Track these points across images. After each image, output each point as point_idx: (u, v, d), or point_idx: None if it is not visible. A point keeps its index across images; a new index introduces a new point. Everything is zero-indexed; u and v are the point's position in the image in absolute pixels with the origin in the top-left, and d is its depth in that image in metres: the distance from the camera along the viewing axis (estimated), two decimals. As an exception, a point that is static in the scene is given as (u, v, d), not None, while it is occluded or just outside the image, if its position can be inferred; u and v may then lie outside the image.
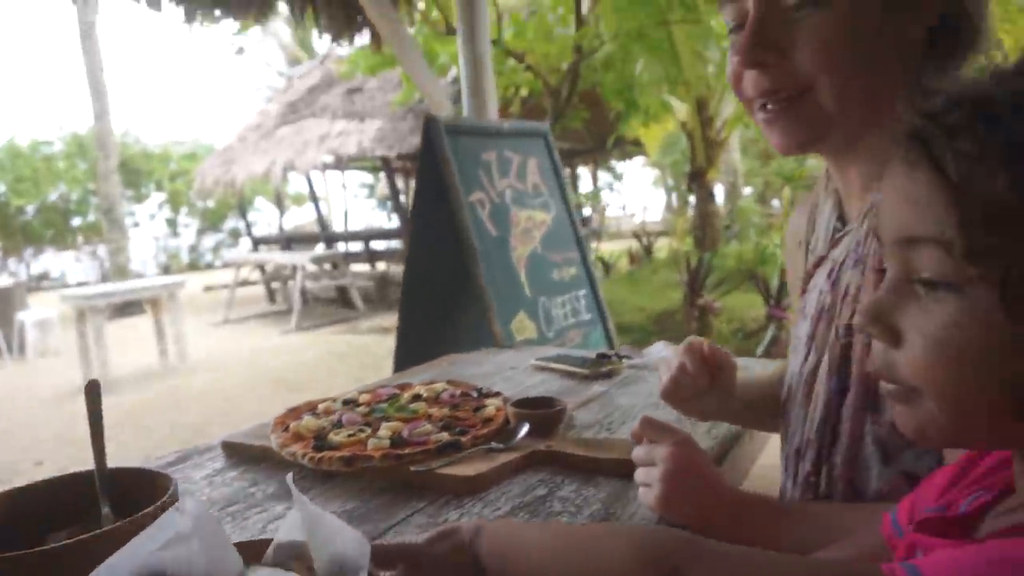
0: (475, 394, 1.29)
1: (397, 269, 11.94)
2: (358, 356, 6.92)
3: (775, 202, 16.76)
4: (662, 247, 10.98)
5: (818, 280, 0.84)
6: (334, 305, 10.34)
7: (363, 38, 4.28)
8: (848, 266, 0.77)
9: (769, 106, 0.75)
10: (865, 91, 0.72)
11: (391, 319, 8.52)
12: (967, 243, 0.41)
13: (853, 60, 0.70)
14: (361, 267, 11.90)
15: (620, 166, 20.66)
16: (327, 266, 10.78)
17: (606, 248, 11.84)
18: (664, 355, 1.69)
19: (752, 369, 1.25)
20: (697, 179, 9.71)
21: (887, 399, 0.50)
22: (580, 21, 5.99)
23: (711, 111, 9.45)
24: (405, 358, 2.89)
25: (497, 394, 1.29)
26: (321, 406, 1.26)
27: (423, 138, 2.72)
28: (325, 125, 9.93)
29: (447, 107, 3.58)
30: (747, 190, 14.25)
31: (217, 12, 3.74)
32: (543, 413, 1.12)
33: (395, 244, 11.21)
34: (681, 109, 9.24)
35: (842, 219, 0.85)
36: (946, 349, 0.43)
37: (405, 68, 3.65)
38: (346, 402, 1.26)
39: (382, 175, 12.80)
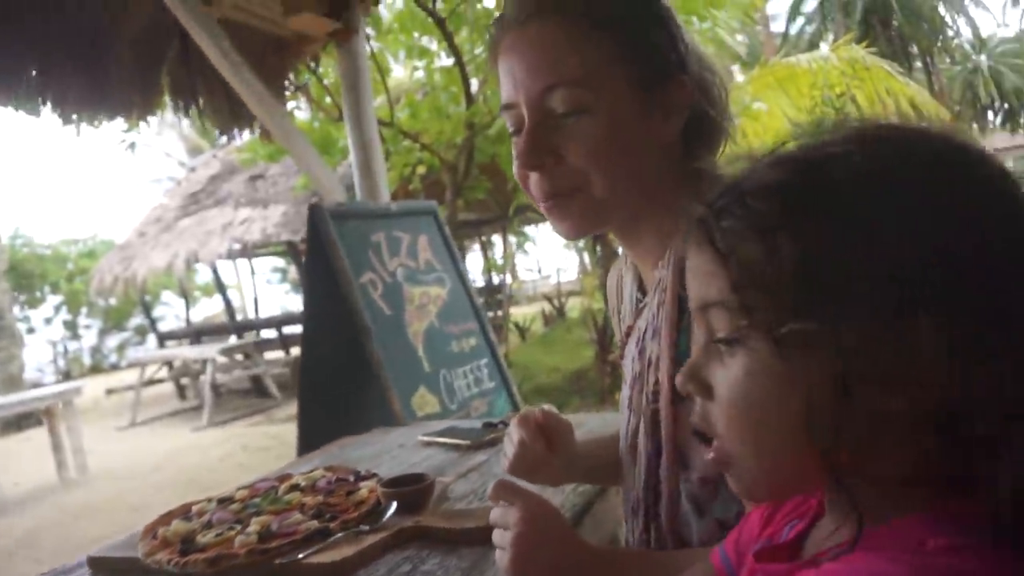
0: (352, 478, 1.31)
1: (313, 352, 11.66)
2: (274, 447, 6.70)
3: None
4: (575, 306, 11.23)
5: (630, 348, 0.92)
6: (249, 396, 10.01)
7: (254, 129, 4.33)
8: (649, 336, 0.85)
9: (551, 202, 0.84)
10: (633, 182, 0.81)
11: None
12: (740, 303, 0.48)
13: (618, 158, 0.79)
14: (275, 354, 11.60)
15: (532, 230, 21.13)
16: (239, 356, 10.46)
17: (522, 312, 12.00)
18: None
19: (588, 424, 1.33)
20: (601, 237, 10.07)
21: (715, 465, 0.54)
22: (470, 99, 6.24)
23: (607, 173, 9.88)
24: (308, 445, 2.85)
25: (374, 475, 1.32)
26: (195, 508, 1.25)
27: (309, 225, 2.76)
28: (228, 213, 9.82)
29: (341, 192, 3.64)
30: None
31: (98, 114, 3.73)
32: (410, 490, 1.15)
33: (309, 327, 10.99)
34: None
35: (643, 290, 0.93)
36: (740, 396, 0.49)
37: (294, 158, 3.71)
38: (221, 501, 1.26)
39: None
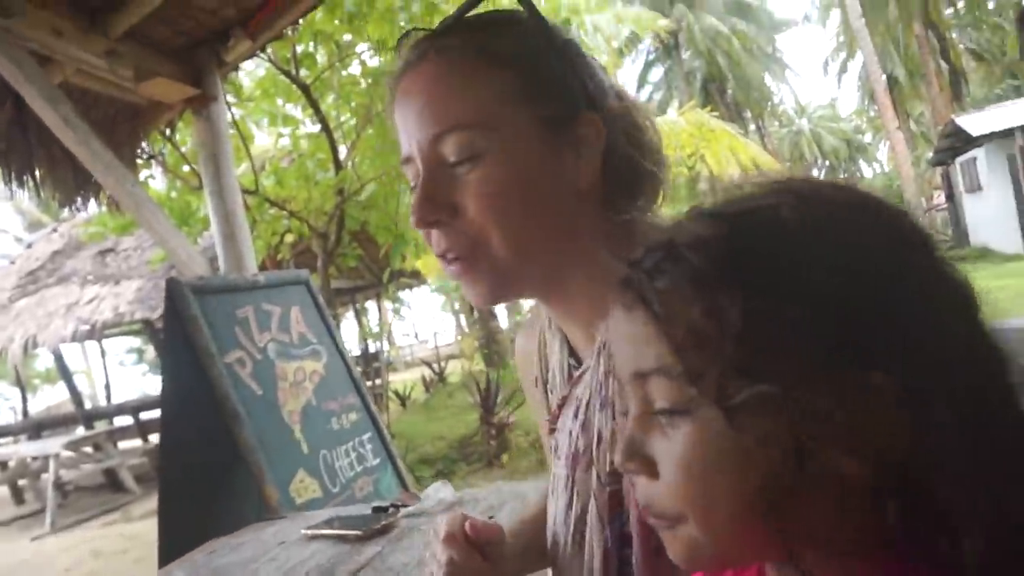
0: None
1: (175, 438, 10.75)
2: (132, 549, 6.02)
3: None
4: (455, 370, 11.11)
5: (566, 421, 0.80)
6: (102, 492, 9.02)
7: (102, 201, 4.00)
8: (595, 408, 0.74)
9: (453, 264, 0.74)
10: (544, 236, 0.72)
11: (170, 497, 7.57)
12: (683, 368, 0.43)
13: (519, 210, 0.70)
14: (132, 443, 10.58)
15: (406, 295, 20.95)
16: (88, 449, 9.45)
17: (401, 379, 11.72)
18: (442, 496, 1.65)
19: (488, 500, 1.24)
20: (477, 300, 10.09)
21: (658, 532, 0.50)
22: (339, 165, 6.13)
23: (480, 236, 9.98)
24: (171, 547, 2.55)
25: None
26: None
27: (166, 302, 2.53)
28: (74, 292, 9.01)
29: (203, 264, 3.40)
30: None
31: (-89, 188, 3.30)
32: None
33: (169, 411, 10.15)
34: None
35: (575, 356, 0.82)
36: (690, 471, 0.45)
37: (148, 231, 3.44)
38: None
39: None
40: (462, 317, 20.23)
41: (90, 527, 7.32)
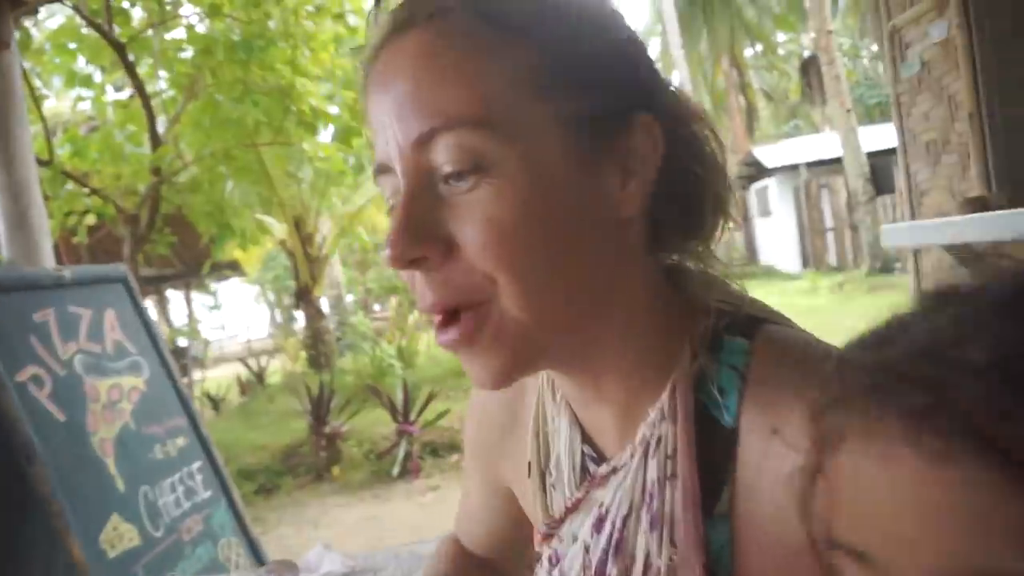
0: None
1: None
2: None
3: (376, 307, 17.36)
4: (275, 370, 10.34)
5: (579, 531, 0.59)
6: None
7: None
8: (639, 525, 0.54)
9: (444, 325, 0.50)
10: (573, 288, 0.50)
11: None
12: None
13: (540, 247, 0.48)
14: None
15: (215, 285, 19.37)
16: None
17: (211, 378, 10.71)
18: (329, 569, 1.34)
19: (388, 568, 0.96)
20: (304, 297, 9.46)
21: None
22: (157, 140, 5.36)
23: (310, 228, 9.37)
24: None
25: None
26: None
27: (-66, 303, 1.95)
28: None
29: (-23, 249, 2.73)
30: (348, 297, 14.47)
31: None
32: None
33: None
34: (279, 228, 8.97)
35: (592, 444, 0.60)
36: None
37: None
38: None
39: None
40: (277, 312, 19.12)
41: None
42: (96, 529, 2.03)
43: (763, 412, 0.49)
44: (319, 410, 5.81)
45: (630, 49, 0.53)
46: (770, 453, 0.47)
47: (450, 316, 0.50)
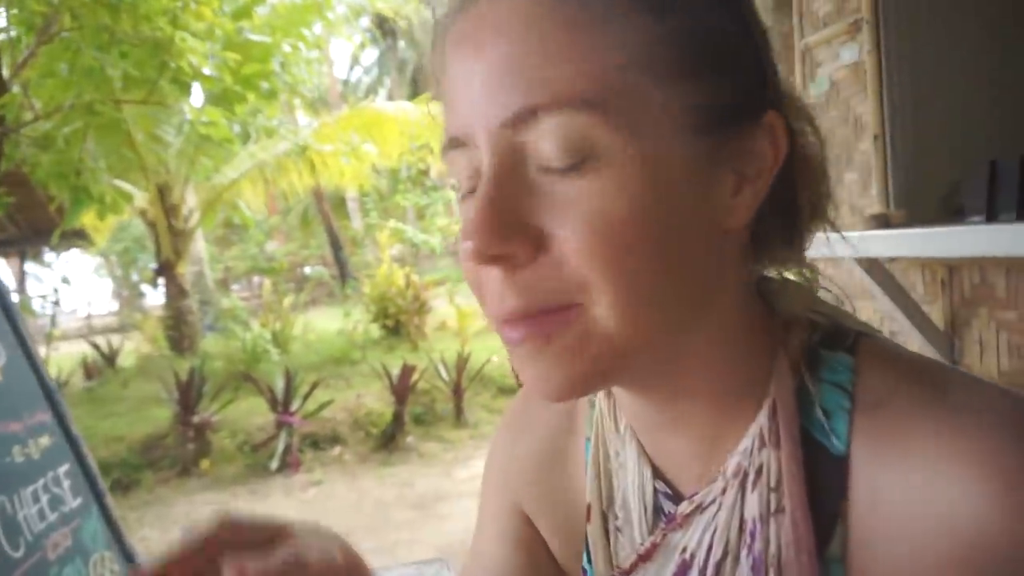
0: None
1: None
2: None
3: (235, 286, 16.43)
4: (127, 352, 9.43)
5: None
6: None
7: None
8: (737, 570, 0.47)
9: (524, 326, 0.44)
10: (672, 299, 0.44)
11: None
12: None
13: (646, 252, 0.42)
14: None
15: (53, 255, 17.54)
16: None
17: (50, 358, 9.62)
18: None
19: None
20: (166, 272, 8.69)
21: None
22: (2, 86, 4.65)
23: (175, 199, 8.62)
24: None
25: None
26: None
27: None
28: None
29: None
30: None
31: None
32: None
33: None
34: (140, 197, 8.18)
35: (665, 480, 0.53)
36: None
37: None
38: None
39: None
40: (124, 288, 17.62)
41: None
42: (-59, 551, 1.67)
43: (885, 440, 0.43)
44: (187, 397, 5.33)
45: (759, 34, 0.47)
46: (896, 490, 0.42)
47: (531, 318, 0.43)
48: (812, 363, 0.47)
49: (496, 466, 0.67)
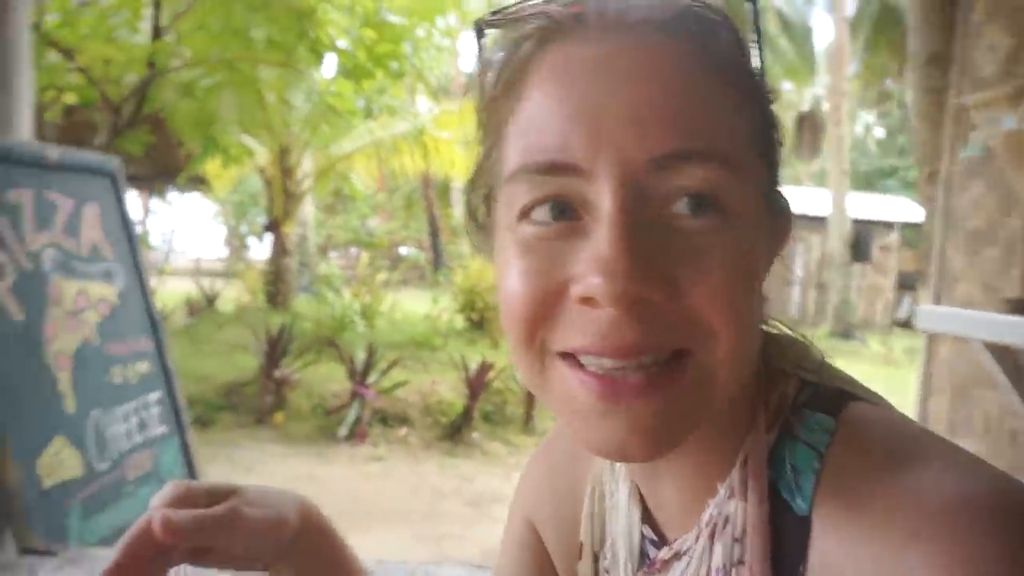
0: None
1: None
2: None
3: (333, 254, 16.93)
4: (227, 298, 9.89)
5: None
6: None
7: None
8: None
9: (641, 376, 0.41)
10: (751, 347, 0.47)
11: None
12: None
13: (753, 302, 0.45)
14: None
15: (173, 196, 18.62)
16: None
17: (158, 292, 10.21)
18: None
19: None
20: (273, 229, 9.06)
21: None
22: (158, 32, 4.95)
23: (293, 162, 8.96)
24: None
25: None
26: None
27: None
28: None
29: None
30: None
31: None
32: None
33: None
34: (262, 154, 8.55)
35: (653, 524, 0.55)
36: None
37: None
38: None
39: None
40: (248, 235, 18.44)
41: None
42: (36, 450, 1.76)
43: (844, 507, 0.43)
44: (273, 351, 5.52)
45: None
46: (849, 562, 0.41)
47: (644, 365, 0.41)
48: (792, 420, 0.47)
49: (524, 482, 0.70)
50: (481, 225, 0.51)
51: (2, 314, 1.77)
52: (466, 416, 5.44)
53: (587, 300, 0.41)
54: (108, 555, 1.10)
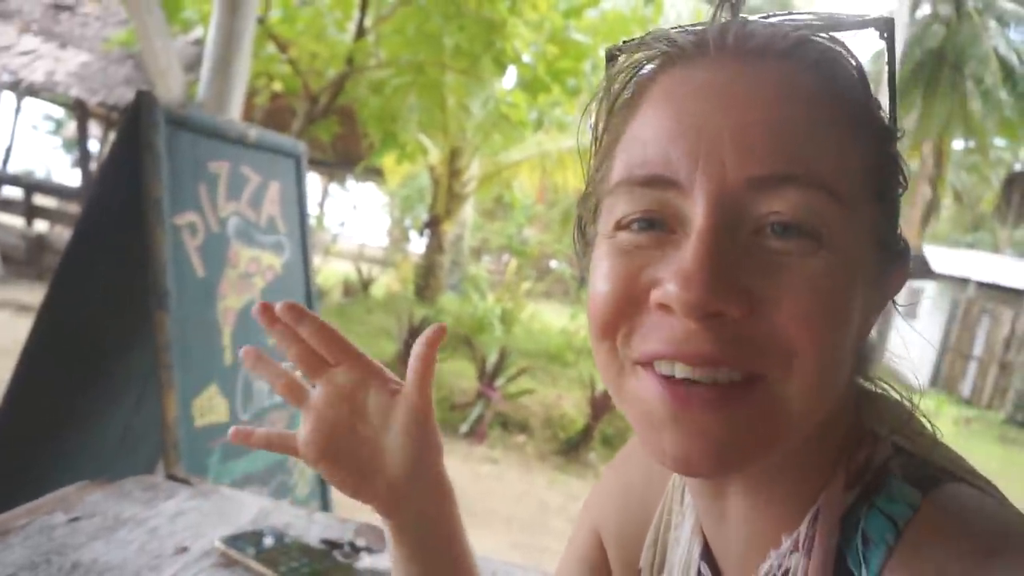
0: None
1: (62, 234, 9.82)
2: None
3: (485, 257, 17.41)
4: (380, 284, 10.51)
5: None
6: (-40, 258, 8.05)
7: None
8: None
9: (709, 389, 0.42)
10: (841, 383, 0.46)
11: (36, 294, 6.79)
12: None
13: (843, 336, 0.44)
14: (13, 220, 9.53)
15: (349, 183, 19.96)
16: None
17: (321, 270, 11.04)
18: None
19: None
20: (433, 226, 9.51)
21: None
22: (361, 32, 5.38)
23: (462, 164, 9.37)
24: (11, 445, 1.96)
25: None
26: None
27: (127, 118, 1.92)
28: (9, 35, 7.85)
29: (178, 84, 2.74)
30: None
31: None
32: None
33: (67, 203, 9.19)
34: (434, 153, 9.01)
35: (711, 561, 0.54)
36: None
37: (129, 11, 2.76)
38: None
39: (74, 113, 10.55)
40: (410, 227, 19.47)
41: (-65, 293, 6.47)
42: (194, 392, 1.98)
43: None
44: (412, 341, 5.79)
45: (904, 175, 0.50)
46: None
47: (720, 375, 0.42)
48: (873, 486, 0.45)
49: (598, 492, 0.70)
50: (585, 235, 0.52)
51: (190, 269, 2.01)
52: (586, 435, 5.43)
53: (664, 307, 0.42)
54: (234, 495, 1.22)
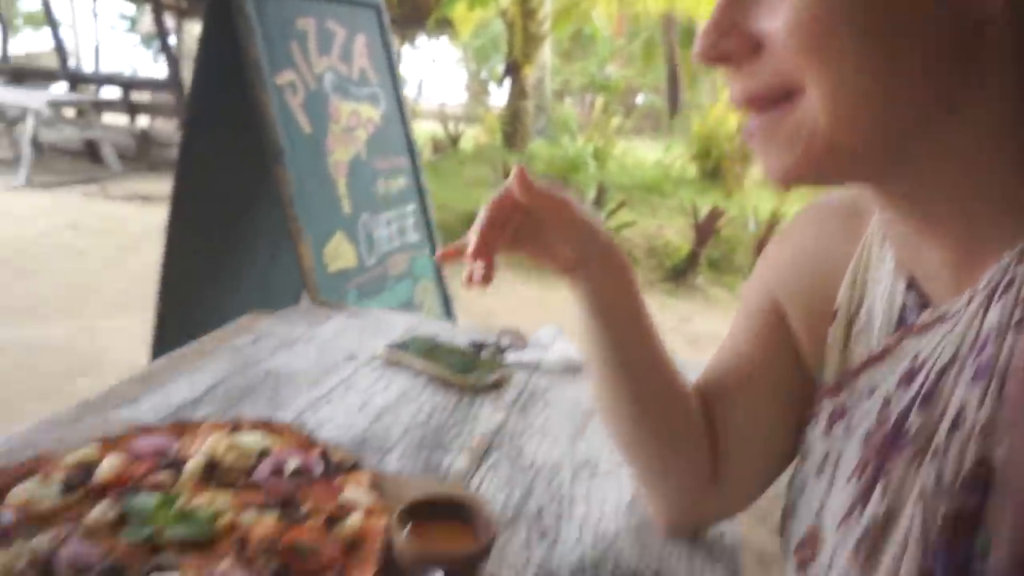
0: (319, 467, 0.77)
1: (163, 126, 10.25)
2: (113, 231, 5.77)
3: (568, 99, 16.88)
4: (468, 137, 10.48)
5: (879, 382, 0.54)
6: (79, 160, 8.62)
7: None
8: (959, 377, 0.45)
9: (752, 120, 0.48)
10: (893, 92, 0.42)
11: (152, 185, 7.25)
12: None
13: (853, 43, 0.41)
14: (117, 118, 10.01)
15: (421, 40, 19.49)
16: (70, 112, 8.87)
17: (408, 131, 11.09)
18: (565, 353, 1.28)
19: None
20: (513, 72, 9.26)
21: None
22: None
23: (534, 2, 8.91)
24: (172, 295, 2.19)
25: (354, 467, 0.79)
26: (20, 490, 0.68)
27: (215, -16, 1.95)
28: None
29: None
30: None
31: None
32: (466, 556, 0.65)
33: (161, 96, 9.51)
34: (504, -6, 8.61)
35: (917, 289, 0.54)
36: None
37: None
38: (69, 487, 0.69)
39: (147, 8, 10.67)
40: (491, 83, 19.03)
41: (65, 192, 7.02)
42: (322, 241, 2.13)
43: None
44: (508, 188, 5.85)
45: None
46: None
47: (755, 107, 0.47)
48: None
49: (766, 262, 0.71)
50: None
51: (297, 126, 2.10)
52: (691, 260, 5.45)
53: None
54: (384, 314, 1.35)
